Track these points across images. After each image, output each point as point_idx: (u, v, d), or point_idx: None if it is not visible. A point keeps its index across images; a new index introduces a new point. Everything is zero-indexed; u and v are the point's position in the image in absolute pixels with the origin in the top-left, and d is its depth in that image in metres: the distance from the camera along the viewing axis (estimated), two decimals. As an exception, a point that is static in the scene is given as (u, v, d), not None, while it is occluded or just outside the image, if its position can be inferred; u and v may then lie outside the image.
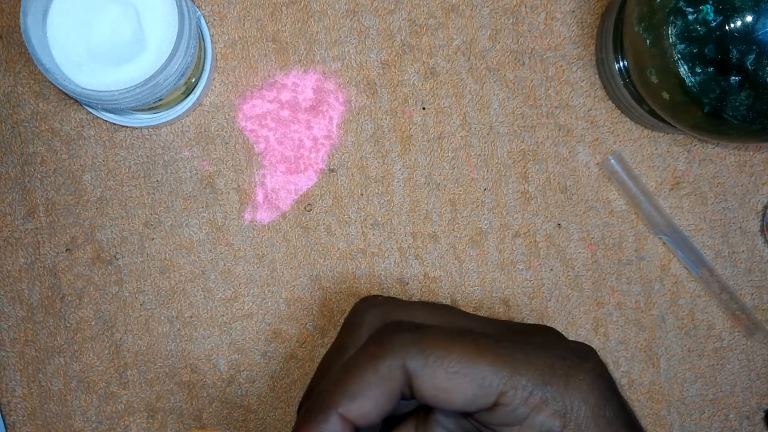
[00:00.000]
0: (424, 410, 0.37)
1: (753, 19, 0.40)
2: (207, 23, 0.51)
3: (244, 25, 0.52)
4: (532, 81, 0.53)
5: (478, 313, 0.53)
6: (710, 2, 0.41)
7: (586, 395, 0.32)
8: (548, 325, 0.38)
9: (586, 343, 0.35)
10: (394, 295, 0.52)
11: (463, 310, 0.53)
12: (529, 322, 0.53)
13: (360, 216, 0.52)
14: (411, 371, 0.32)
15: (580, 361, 0.33)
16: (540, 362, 0.33)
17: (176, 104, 0.50)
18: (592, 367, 0.33)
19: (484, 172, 0.53)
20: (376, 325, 0.35)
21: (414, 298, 0.52)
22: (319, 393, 0.33)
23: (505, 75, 0.53)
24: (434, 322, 0.36)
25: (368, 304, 0.37)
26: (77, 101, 0.51)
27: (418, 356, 0.32)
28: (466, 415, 0.35)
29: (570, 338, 0.39)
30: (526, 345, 0.33)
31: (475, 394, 0.32)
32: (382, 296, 0.37)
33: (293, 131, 0.52)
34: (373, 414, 0.32)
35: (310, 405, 0.33)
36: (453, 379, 0.32)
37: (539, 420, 0.32)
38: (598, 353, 0.35)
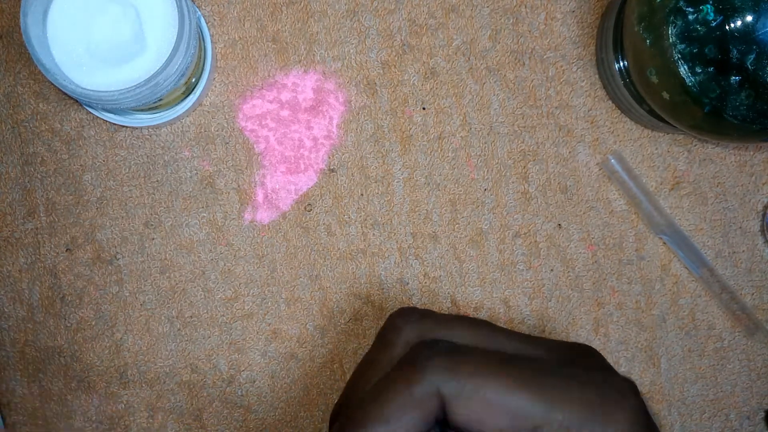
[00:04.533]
0: None
1: (753, 19, 0.40)
2: (207, 23, 0.51)
3: (244, 25, 0.52)
4: (532, 81, 0.53)
5: (479, 314, 0.53)
6: (710, 2, 0.41)
7: None
8: (587, 344, 0.37)
9: (629, 378, 0.34)
10: (394, 296, 0.52)
11: (462, 310, 0.53)
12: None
13: (360, 216, 0.52)
14: (446, 397, 0.32)
15: (620, 398, 0.32)
16: (579, 398, 0.32)
17: (176, 104, 0.50)
18: (631, 405, 0.32)
19: (484, 172, 0.53)
20: (412, 342, 0.34)
21: (414, 298, 0.52)
22: (351, 416, 0.33)
23: (505, 75, 0.53)
24: (472, 342, 0.35)
25: (404, 319, 0.36)
26: (77, 101, 0.51)
27: (454, 384, 0.32)
28: None
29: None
30: (565, 377, 0.32)
31: (509, 425, 0.31)
32: (418, 310, 0.36)
33: (293, 131, 0.52)
34: None
35: (340, 427, 0.33)
36: (488, 409, 0.31)
37: None
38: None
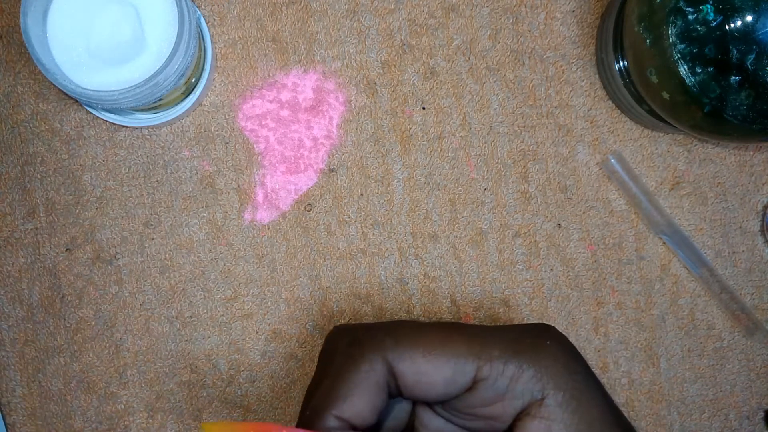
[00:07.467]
0: None
1: (753, 19, 0.40)
2: (207, 23, 0.51)
3: (244, 25, 0.52)
4: (532, 81, 0.53)
5: (478, 313, 0.53)
6: (710, 2, 0.41)
7: (555, 356, 0.35)
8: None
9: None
10: (394, 296, 0.52)
11: (462, 310, 0.53)
12: (528, 322, 0.53)
13: (360, 216, 0.52)
14: (391, 361, 0.34)
15: (541, 333, 0.36)
16: (507, 337, 0.35)
17: (176, 104, 0.50)
18: (554, 334, 0.36)
19: (484, 172, 0.53)
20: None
21: (414, 298, 0.52)
22: (313, 405, 0.35)
23: (505, 75, 0.53)
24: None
25: (337, 330, 0.38)
26: (77, 101, 0.51)
27: (395, 346, 0.34)
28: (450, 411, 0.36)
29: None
30: (490, 327, 0.36)
31: (453, 371, 0.34)
32: (351, 324, 0.39)
33: (293, 131, 0.52)
34: (366, 411, 0.34)
35: (305, 418, 0.35)
36: (431, 361, 0.34)
37: (519, 389, 0.34)
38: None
